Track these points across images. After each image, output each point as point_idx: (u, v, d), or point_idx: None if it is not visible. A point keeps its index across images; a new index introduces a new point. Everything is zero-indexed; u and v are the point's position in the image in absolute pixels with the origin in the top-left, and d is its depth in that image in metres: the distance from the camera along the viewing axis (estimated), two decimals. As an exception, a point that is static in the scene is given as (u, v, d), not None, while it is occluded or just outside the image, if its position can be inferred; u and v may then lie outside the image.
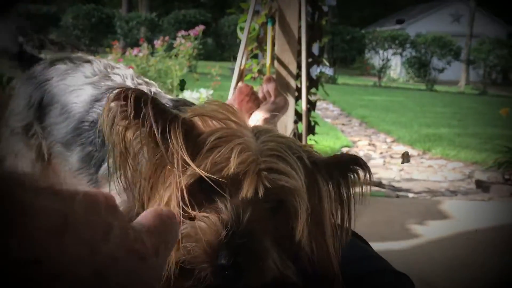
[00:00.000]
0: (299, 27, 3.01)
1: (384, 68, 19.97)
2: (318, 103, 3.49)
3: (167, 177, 0.73)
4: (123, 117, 0.72)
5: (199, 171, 0.69)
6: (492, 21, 24.39)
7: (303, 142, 3.04)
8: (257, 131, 0.76)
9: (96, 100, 1.17)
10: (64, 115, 1.22)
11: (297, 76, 3.12)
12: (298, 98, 3.17)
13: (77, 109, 1.19)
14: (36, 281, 0.26)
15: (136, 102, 0.72)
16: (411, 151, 6.51)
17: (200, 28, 6.77)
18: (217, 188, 0.71)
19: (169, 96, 1.15)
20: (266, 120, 1.55)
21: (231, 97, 1.83)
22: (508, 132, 7.37)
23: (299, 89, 3.12)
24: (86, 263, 0.28)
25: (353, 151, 6.32)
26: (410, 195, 4.29)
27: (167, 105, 1.07)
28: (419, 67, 20.66)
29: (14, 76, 1.49)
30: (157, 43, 6.45)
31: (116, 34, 19.39)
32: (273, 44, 3.03)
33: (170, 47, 6.65)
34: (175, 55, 6.27)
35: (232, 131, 0.74)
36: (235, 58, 3.04)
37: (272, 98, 1.66)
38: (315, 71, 3.61)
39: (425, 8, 27.12)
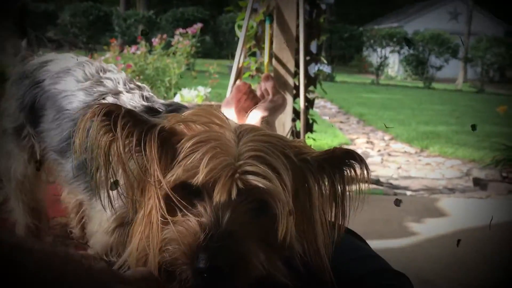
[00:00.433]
0: (297, 25, 3.00)
1: (382, 66, 19.96)
2: (316, 101, 3.48)
3: (148, 187, 0.75)
4: (104, 132, 0.74)
5: (166, 186, 0.71)
6: (489, 19, 24.41)
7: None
8: (241, 131, 0.75)
9: (90, 108, 1.16)
10: (57, 122, 1.21)
11: (295, 74, 3.12)
12: (296, 96, 3.16)
13: (70, 116, 1.17)
14: None
15: (108, 117, 0.73)
16: (409, 149, 6.52)
17: (198, 26, 6.77)
18: (196, 193, 0.72)
19: (161, 101, 1.15)
20: (264, 118, 1.55)
21: (229, 95, 1.83)
22: (505, 130, 7.38)
23: (297, 87, 3.11)
24: None
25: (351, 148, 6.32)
26: (408, 193, 4.29)
27: (160, 110, 1.08)
28: (417, 65, 20.66)
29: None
30: (155, 41, 6.44)
31: (114, 32, 19.34)
32: (271, 42, 3.03)
33: (168, 45, 6.64)
34: (173, 53, 6.27)
35: (210, 135, 0.74)
36: (233, 56, 3.03)
37: (270, 96, 1.65)
38: (313, 69, 3.60)
39: (423, 6, 27.11)
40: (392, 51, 20.36)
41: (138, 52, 6.01)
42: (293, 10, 3.01)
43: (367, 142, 6.91)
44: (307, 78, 3.09)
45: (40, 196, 1.51)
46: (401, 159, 5.93)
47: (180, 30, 6.73)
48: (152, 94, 1.17)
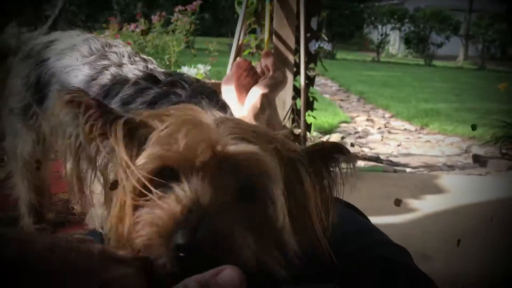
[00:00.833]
0: (298, 1, 2.98)
1: (382, 43, 19.83)
2: (316, 79, 3.47)
3: (118, 170, 0.70)
4: (71, 118, 0.70)
5: (134, 168, 0.65)
6: (492, -5, 24.14)
7: (302, 118, 3.04)
8: (222, 120, 0.70)
9: (93, 79, 1.17)
10: None
11: (296, 51, 3.10)
12: (296, 73, 3.15)
13: None
14: None
15: (73, 102, 0.69)
16: (409, 127, 6.52)
17: (197, 2, 6.69)
18: (172, 176, 0.66)
19: (163, 70, 1.14)
20: (264, 96, 1.55)
21: (229, 72, 1.82)
22: (505, 107, 7.36)
23: (297, 64, 3.10)
24: None
25: (351, 126, 6.33)
26: (408, 170, 4.31)
27: (160, 78, 1.08)
28: (418, 42, 20.52)
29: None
30: (154, 18, 6.38)
31: (112, 10, 19.15)
32: (271, 19, 3.00)
33: (167, 23, 6.58)
34: (172, 31, 6.21)
35: (186, 119, 0.69)
36: (233, 34, 3.01)
37: (271, 73, 1.66)
38: (314, 46, 3.58)
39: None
40: (393, 29, 20.19)
41: (137, 30, 5.97)
42: (293, -14, 2.98)
43: (367, 120, 6.91)
44: (308, 55, 3.07)
45: (45, 175, 1.53)
46: (401, 136, 5.94)
47: (179, 7, 6.66)
48: (156, 67, 1.18)
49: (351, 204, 1.01)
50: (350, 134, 5.84)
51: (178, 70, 5.41)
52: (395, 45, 22.11)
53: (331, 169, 0.75)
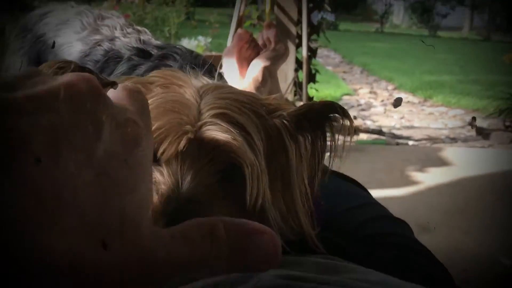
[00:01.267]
0: (300, -29, 2.92)
1: (386, 13, 19.59)
2: (319, 51, 3.43)
3: None
4: None
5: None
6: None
7: (304, 91, 3.02)
8: (205, 90, 0.67)
9: (86, 55, 1.16)
10: None
11: (298, 22, 3.06)
12: (298, 45, 3.11)
13: None
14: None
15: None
16: (412, 99, 6.48)
17: (198, -28, 6.58)
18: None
19: (156, 43, 1.13)
20: (266, 68, 1.53)
21: (229, 44, 1.79)
22: (510, 78, 7.30)
23: (299, 36, 3.06)
24: (86, 169, 0.27)
25: (354, 99, 6.29)
26: (410, 142, 4.30)
27: (152, 52, 1.06)
28: (422, 13, 20.25)
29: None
30: (154, -11, 6.29)
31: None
32: (273, -11, 2.95)
33: (167, -6, 6.49)
34: (172, 2, 6.13)
35: (167, 96, 0.66)
36: (233, 4, 2.96)
37: (272, 45, 1.63)
38: (316, 17, 3.52)
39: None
40: (397, -2, 19.93)
41: (136, 1, 5.89)
42: (296, -45, 2.92)
43: (370, 92, 6.87)
44: (310, 27, 3.02)
45: None
46: (404, 109, 5.91)
47: (180, -23, 6.55)
48: (150, 37, 1.16)
49: (351, 177, 1.00)
50: (352, 106, 5.80)
51: (178, 42, 5.36)
52: (399, 16, 21.82)
53: (325, 129, 0.69)
